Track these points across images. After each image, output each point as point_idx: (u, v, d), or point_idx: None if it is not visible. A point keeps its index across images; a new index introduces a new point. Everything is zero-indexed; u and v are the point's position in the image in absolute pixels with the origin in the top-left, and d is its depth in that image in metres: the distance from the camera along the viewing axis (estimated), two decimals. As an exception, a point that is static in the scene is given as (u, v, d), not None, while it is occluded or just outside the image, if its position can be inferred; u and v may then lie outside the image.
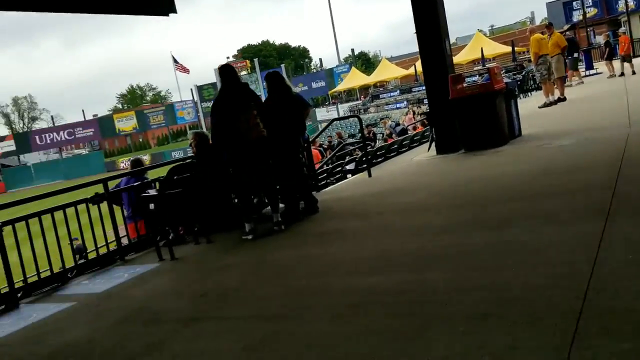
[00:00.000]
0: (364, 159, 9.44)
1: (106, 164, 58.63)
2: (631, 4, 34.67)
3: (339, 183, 9.15)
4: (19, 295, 5.24)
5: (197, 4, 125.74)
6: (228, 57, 76.89)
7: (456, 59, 51.16)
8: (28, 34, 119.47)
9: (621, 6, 35.21)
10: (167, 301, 4.38)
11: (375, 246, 4.66)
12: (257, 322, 3.47)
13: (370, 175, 8.57)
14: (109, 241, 6.47)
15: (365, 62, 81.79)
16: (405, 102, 41.09)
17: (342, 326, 3.15)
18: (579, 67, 19.43)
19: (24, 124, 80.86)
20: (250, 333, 3.28)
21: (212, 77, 72.39)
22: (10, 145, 60.80)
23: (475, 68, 37.27)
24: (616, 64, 18.68)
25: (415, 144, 11.73)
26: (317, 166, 11.62)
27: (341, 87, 63.31)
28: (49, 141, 63.46)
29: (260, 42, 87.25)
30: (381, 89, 53.82)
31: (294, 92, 8.08)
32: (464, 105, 8.78)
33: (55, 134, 64.05)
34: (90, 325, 4.15)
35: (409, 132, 16.62)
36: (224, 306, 3.91)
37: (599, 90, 14.96)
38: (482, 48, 38.38)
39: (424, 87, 16.86)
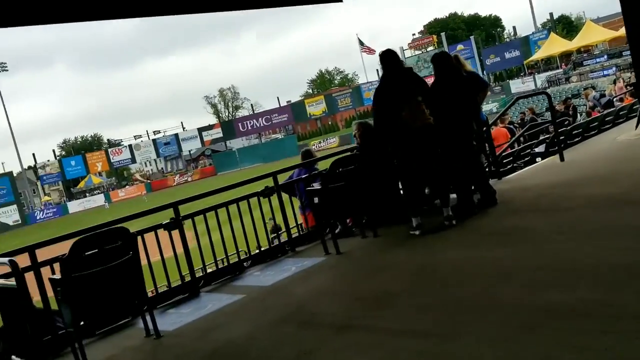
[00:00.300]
0: (555, 140, 8.43)
1: (299, 146, 62.32)
2: None
3: (525, 169, 8.29)
4: (200, 284, 5.64)
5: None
6: (414, 34, 75.87)
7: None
8: (232, 29, 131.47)
9: None
10: (324, 302, 4.31)
11: (559, 251, 4.03)
12: (406, 338, 3.19)
13: (562, 159, 7.60)
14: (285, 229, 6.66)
15: (566, 25, 74.40)
16: (614, 69, 36.44)
17: (506, 353, 2.72)
18: None
19: (229, 112, 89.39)
20: (395, 353, 3.02)
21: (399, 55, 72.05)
22: (218, 133, 67.73)
23: None
24: None
25: (621, 120, 10.16)
26: (503, 148, 10.78)
27: (538, 55, 58.52)
28: (249, 127, 69.35)
29: (447, 16, 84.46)
30: (585, 54, 48.53)
31: (470, 71, 7.51)
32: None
33: (255, 120, 69.76)
34: (253, 322, 4.25)
35: (616, 104, 14.58)
36: (377, 314, 3.70)
37: None
38: None
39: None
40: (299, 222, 7.45)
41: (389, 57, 5.75)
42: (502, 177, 7.77)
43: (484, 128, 7.52)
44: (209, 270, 5.94)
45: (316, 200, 5.86)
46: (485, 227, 5.34)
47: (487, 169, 7.43)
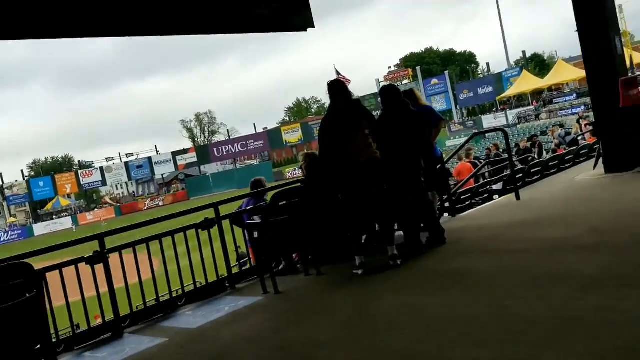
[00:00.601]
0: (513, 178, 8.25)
1: (274, 173, 61.89)
2: None
3: (482, 206, 8.07)
4: (124, 324, 5.20)
5: (357, 18, 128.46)
6: (390, 67, 76.95)
7: (642, 58, 45.63)
8: (212, 53, 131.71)
9: None
10: (246, 351, 3.92)
11: (498, 300, 3.74)
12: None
13: (518, 198, 7.41)
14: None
15: (539, 64, 76.15)
16: (582, 107, 37.15)
17: None
18: None
19: (204, 137, 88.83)
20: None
21: (373, 88, 73.13)
22: (192, 157, 67.07)
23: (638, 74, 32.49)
24: None
25: (581, 159, 10.08)
26: (469, 184, 10.60)
27: (510, 92, 59.64)
28: (225, 153, 68.89)
29: (423, 50, 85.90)
30: (555, 92, 49.52)
31: (424, 105, 7.31)
32: (638, 115, 7.23)
33: (230, 146, 69.35)
34: (167, 371, 3.85)
35: (580, 143, 14.63)
36: (297, 370, 3.34)
37: None
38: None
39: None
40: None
41: (337, 88, 5.51)
42: (458, 214, 7.54)
43: (439, 164, 7.30)
44: (138, 307, 5.51)
45: (256, 234, 5.52)
46: (429, 268, 5.04)
47: (440, 206, 7.19)
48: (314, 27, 10.62)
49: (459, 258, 5.16)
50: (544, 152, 17.80)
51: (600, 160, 8.00)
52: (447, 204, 7.51)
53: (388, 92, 5.74)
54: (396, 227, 6.08)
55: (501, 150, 16.73)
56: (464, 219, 7.13)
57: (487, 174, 14.23)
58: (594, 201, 6.48)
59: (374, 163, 5.27)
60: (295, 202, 5.58)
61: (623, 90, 7.36)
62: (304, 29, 10.84)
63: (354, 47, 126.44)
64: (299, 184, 6.35)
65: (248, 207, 6.63)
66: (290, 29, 11.03)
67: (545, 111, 42.79)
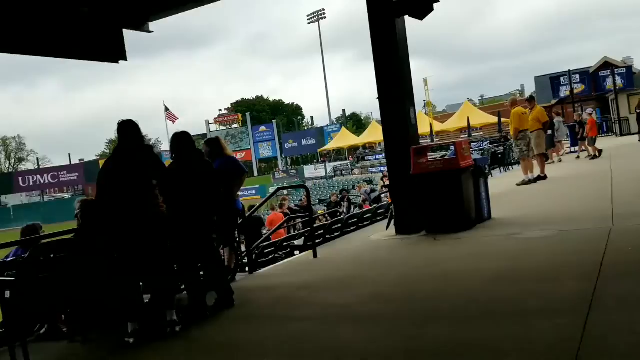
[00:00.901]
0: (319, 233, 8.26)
1: (86, 209, 57.00)
2: (619, 82, 34.60)
3: (280, 263, 7.88)
4: None
5: (195, 57, 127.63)
6: (220, 110, 76.87)
7: (444, 126, 51.64)
8: (24, 75, 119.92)
9: (609, 84, 35.11)
10: None
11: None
12: None
13: (315, 255, 7.34)
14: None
15: (356, 122, 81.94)
16: (390, 166, 40.27)
17: None
18: (559, 143, 18.77)
19: (10, 164, 79.43)
20: None
21: (203, 129, 71.99)
22: (-9, 185, 59.38)
23: (436, 141, 36.74)
24: (598, 144, 18.02)
25: (379, 218, 10.57)
26: (278, 235, 10.45)
27: (330, 146, 62.99)
28: (32, 183, 62.18)
29: (254, 97, 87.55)
30: (368, 150, 53.31)
31: (228, 155, 6.99)
32: (426, 182, 7.69)
33: (39, 176, 62.90)
34: None
35: (384, 201, 15.54)
36: None
37: (582, 171, 14.02)
38: (468, 117, 38.04)
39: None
40: None
41: (128, 129, 4.90)
42: (255, 270, 7.24)
43: (240, 219, 6.99)
44: None
45: (7, 294, 4.58)
46: (209, 336, 4.58)
47: (235, 263, 6.83)
48: (125, 59, 9.92)
49: (240, 325, 4.78)
50: (352, 207, 18.64)
51: (393, 221, 8.36)
52: (245, 260, 7.18)
53: (179, 140, 5.25)
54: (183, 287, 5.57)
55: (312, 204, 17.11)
56: (260, 276, 6.84)
57: (300, 225, 14.37)
58: (382, 263, 6.60)
59: (158, 217, 4.74)
60: (62, 257, 4.78)
61: (414, 158, 7.81)
62: (115, 60, 10.05)
63: (187, 85, 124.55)
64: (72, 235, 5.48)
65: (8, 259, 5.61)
66: (100, 58, 10.16)
67: (358, 167, 45.65)
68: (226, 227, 6.40)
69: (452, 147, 8.58)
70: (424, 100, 59.59)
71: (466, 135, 39.16)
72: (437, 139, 54.18)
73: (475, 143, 33.08)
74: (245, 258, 7.35)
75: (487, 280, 4.85)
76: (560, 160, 17.97)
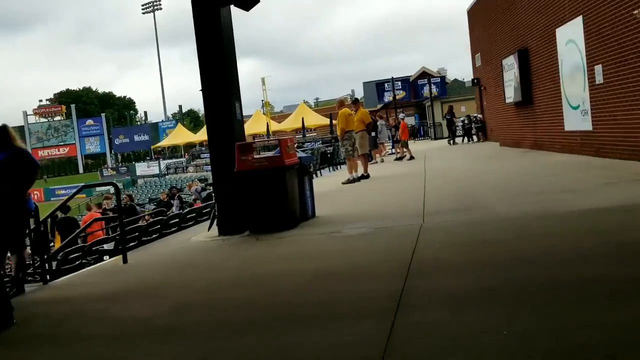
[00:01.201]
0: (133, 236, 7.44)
1: None
2: (434, 90, 37.89)
3: (85, 270, 6.94)
4: None
5: (10, 41, 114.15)
6: (41, 100, 69.58)
7: (281, 127, 52.35)
8: None
9: (426, 92, 38.28)
10: None
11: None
12: None
13: (125, 261, 6.56)
14: None
15: (194, 119, 79.58)
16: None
17: None
18: (381, 145, 19.86)
19: None
20: None
21: (20, 120, 64.71)
22: None
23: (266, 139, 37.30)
24: (415, 146, 19.44)
25: (204, 218, 10.00)
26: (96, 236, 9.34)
27: (165, 142, 60.36)
28: None
29: (81, 89, 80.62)
30: (204, 148, 52.02)
31: (20, 146, 5.91)
32: (250, 180, 7.33)
33: None
34: None
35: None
36: None
37: (400, 171, 14.83)
38: (302, 118, 38.89)
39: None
40: None
41: None
42: (54, 279, 6.25)
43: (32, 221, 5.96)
44: None
45: None
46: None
47: (23, 273, 5.81)
48: None
49: (13, 351, 3.92)
50: (184, 206, 17.70)
51: (215, 222, 7.87)
52: (39, 269, 6.16)
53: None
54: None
55: (135, 201, 15.90)
56: (56, 287, 5.88)
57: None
58: (197, 268, 6.05)
59: None
60: None
61: (238, 155, 7.40)
62: None
63: (1, 72, 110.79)
64: None
65: None
66: None
67: (193, 164, 44.23)
68: (13, 231, 5.38)
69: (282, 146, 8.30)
70: (262, 100, 59.89)
71: (301, 135, 39.97)
72: (275, 138, 54.72)
73: (309, 143, 33.87)
74: (46, 265, 6.31)
75: (302, 283, 4.59)
76: (382, 161, 18.94)
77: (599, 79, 10.75)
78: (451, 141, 25.76)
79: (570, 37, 12.02)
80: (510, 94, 17.27)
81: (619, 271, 3.79)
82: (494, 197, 7.94)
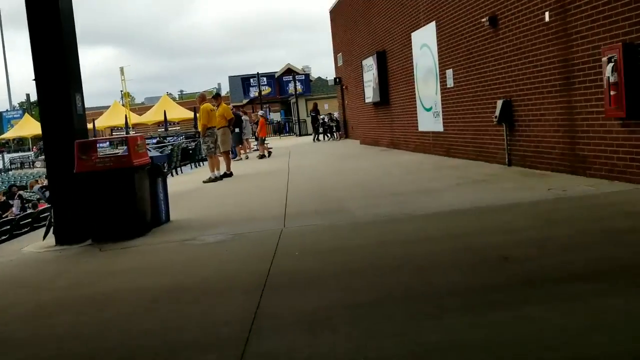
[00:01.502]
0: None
1: None
2: (299, 88, 38.10)
3: None
4: None
5: None
6: None
7: (141, 119, 49.55)
8: None
9: (291, 89, 38.36)
10: None
11: None
12: None
13: None
14: None
15: (44, 110, 72.55)
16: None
17: None
18: (246, 141, 19.32)
19: None
20: None
21: None
22: None
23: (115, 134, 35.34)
24: (282, 142, 19.17)
25: (43, 223, 8.77)
26: None
27: (10, 134, 54.32)
28: None
29: None
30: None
31: None
32: (93, 182, 6.46)
33: None
34: None
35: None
36: None
37: (264, 168, 14.47)
38: (165, 111, 37.04)
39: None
40: None
41: None
42: None
43: None
44: None
45: None
46: None
47: None
48: None
49: None
50: (26, 207, 15.75)
51: (52, 229, 6.86)
52: None
53: None
54: None
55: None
56: None
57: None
58: (20, 286, 5.09)
59: None
60: None
61: (78, 154, 6.49)
62: None
63: None
64: None
65: None
66: None
67: (41, 159, 40.21)
68: None
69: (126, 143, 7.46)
70: (122, 91, 56.19)
71: (163, 129, 38.08)
72: (133, 132, 51.70)
73: (171, 137, 32.31)
74: None
75: (144, 305, 3.98)
76: (247, 157, 18.47)
77: (450, 82, 11.26)
78: (315, 138, 26.03)
79: (425, 42, 12.48)
80: (370, 94, 17.70)
81: (474, 280, 3.72)
82: (354, 198, 7.86)
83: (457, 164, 10.45)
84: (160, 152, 11.26)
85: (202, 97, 12.77)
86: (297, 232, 5.88)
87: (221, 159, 12.73)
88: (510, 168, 8.96)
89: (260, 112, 21.20)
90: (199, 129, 12.83)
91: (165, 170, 8.01)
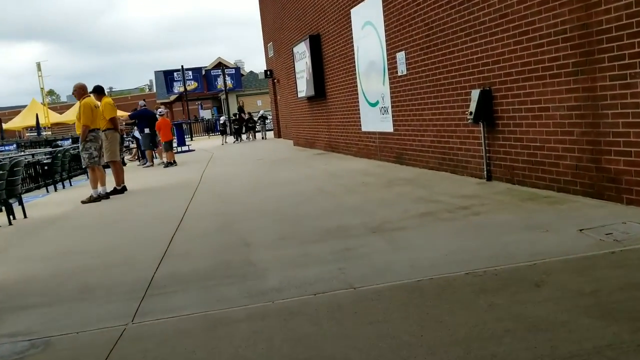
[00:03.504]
0: None
1: None
2: (229, 82, 34.73)
3: None
4: None
5: None
6: None
7: (62, 118, 44.65)
8: None
9: (220, 84, 34.94)
10: None
11: None
12: None
13: None
14: None
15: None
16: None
17: None
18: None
19: None
20: None
21: None
22: None
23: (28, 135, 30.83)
24: (205, 141, 15.93)
25: None
26: None
27: None
28: None
29: None
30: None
31: None
32: None
33: None
34: None
35: None
36: None
37: (171, 181, 11.33)
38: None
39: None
40: None
41: None
42: None
43: None
44: None
45: None
46: None
47: None
48: None
49: None
50: None
51: None
52: None
53: None
54: None
55: None
56: None
57: None
58: None
59: None
60: None
61: None
62: None
63: None
64: None
65: None
66: None
67: None
68: None
69: None
70: (41, 88, 50.66)
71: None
72: (49, 132, 46.59)
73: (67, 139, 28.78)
74: None
75: None
76: (165, 164, 15.16)
77: (402, 69, 8.58)
78: (237, 139, 24.26)
79: (368, 19, 9.75)
80: (303, 87, 14.86)
81: None
82: (270, 240, 4.97)
83: (413, 176, 7.79)
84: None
85: (82, 89, 9.39)
86: (151, 338, 2.93)
87: (109, 171, 9.54)
88: (491, 184, 6.36)
89: (159, 110, 16.72)
90: (78, 132, 9.53)
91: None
